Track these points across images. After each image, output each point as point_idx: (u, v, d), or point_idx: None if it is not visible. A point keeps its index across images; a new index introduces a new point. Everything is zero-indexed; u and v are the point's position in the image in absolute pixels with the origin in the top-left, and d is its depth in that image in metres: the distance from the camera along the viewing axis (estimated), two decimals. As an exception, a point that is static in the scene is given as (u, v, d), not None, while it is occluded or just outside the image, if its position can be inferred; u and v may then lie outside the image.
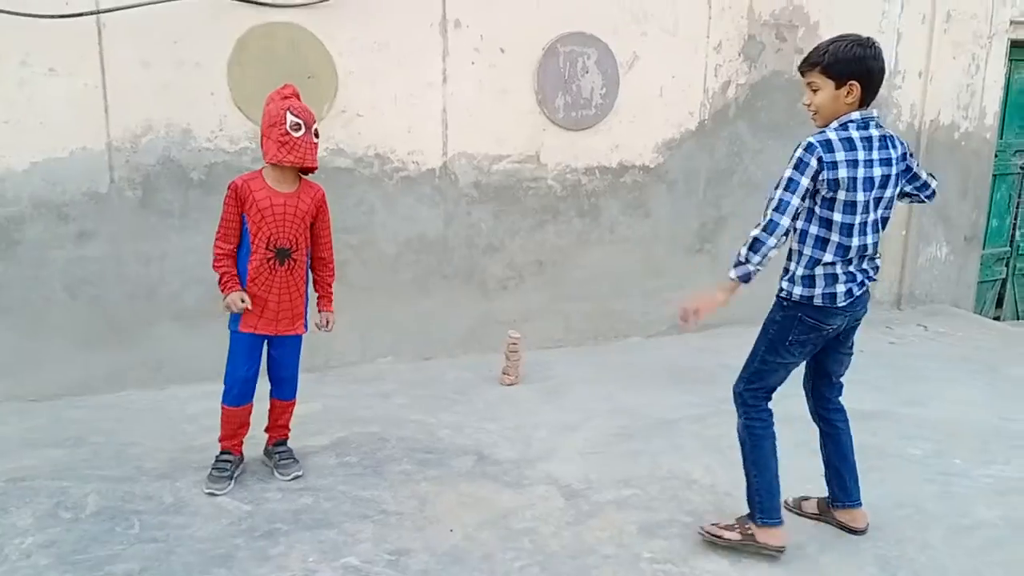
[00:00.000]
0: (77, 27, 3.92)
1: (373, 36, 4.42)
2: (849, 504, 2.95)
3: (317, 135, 3.20)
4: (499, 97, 4.76)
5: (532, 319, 4.98)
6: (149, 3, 3.97)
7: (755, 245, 2.58)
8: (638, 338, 5.29)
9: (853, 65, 2.60)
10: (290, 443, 3.53)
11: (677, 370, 4.69)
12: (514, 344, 4.46)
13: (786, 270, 2.74)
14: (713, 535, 2.82)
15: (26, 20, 3.81)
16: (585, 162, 5.02)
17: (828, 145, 2.57)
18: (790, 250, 2.74)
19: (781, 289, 2.75)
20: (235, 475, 3.32)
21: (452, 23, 4.59)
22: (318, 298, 3.44)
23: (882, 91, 2.87)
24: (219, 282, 3.16)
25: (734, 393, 2.84)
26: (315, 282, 3.42)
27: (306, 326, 3.38)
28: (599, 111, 4.95)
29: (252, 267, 3.16)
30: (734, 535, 2.80)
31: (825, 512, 3.02)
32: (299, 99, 3.22)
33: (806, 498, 3.10)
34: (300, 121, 3.11)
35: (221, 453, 3.34)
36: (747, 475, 2.80)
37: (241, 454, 3.39)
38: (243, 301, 3.12)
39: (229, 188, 3.15)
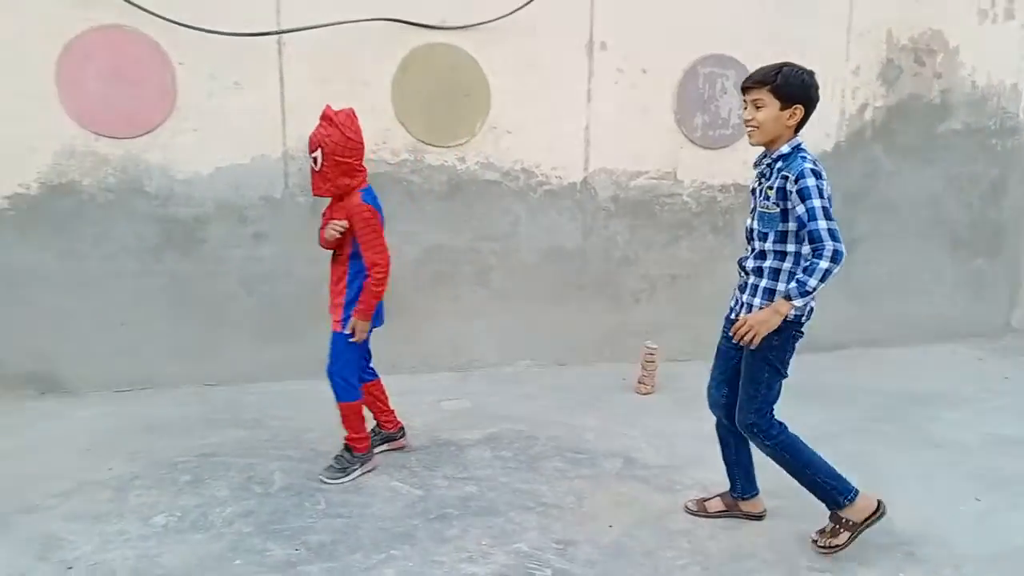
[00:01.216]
0: (260, 45, 4.31)
1: (525, 57, 4.68)
2: (754, 493, 3.19)
3: (316, 163, 3.23)
4: (639, 116, 4.95)
5: (663, 331, 5.13)
6: (325, 25, 4.32)
7: (826, 277, 2.63)
8: (766, 355, 5.37)
9: (800, 91, 2.75)
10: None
11: (810, 388, 4.74)
12: (651, 355, 4.62)
13: (775, 292, 2.79)
14: (829, 547, 2.90)
15: (215, 37, 4.21)
16: (721, 180, 5.16)
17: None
18: (778, 271, 2.80)
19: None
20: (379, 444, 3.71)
21: (598, 45, 4.80)
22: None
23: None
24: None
25: (747, 428, 2.92)
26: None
27: (341, 325, 3.38)
28: (736, 131, 5.07)
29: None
30: (843, 537, 2.90)
31: (732, 507, 3.22)
32: (316, 127, 3.26)
33: (706, 499, 3.28)
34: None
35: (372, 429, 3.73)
36: (806, 479, 2.93)
37: (391, 429, 3.78)
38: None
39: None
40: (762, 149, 2.87)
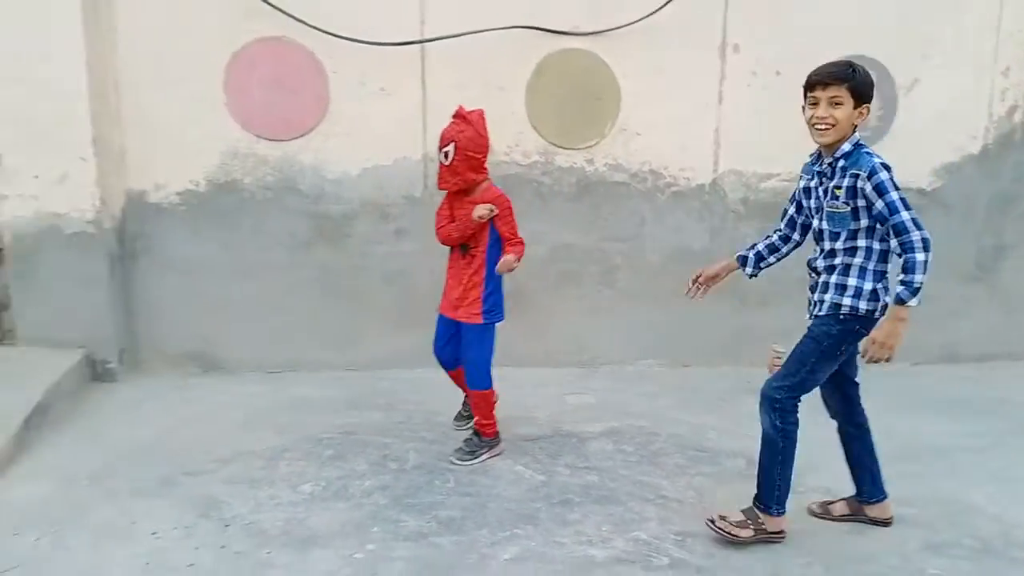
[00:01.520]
0: (405, 53, 4.59)
1: (656, 61, 4.75)
2: (881, 498, 3.13)
3: (447, 157, 3.46)
4: (772, 118, 4.90)
5: (790, 335, 4.99)
6: (466, 33, 4.55)
7: (926, 268, 2.65)
8: (904, 364, 5.19)
9: (870, 90, 2.76)
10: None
11: (950, 400, 4.58)
12: (778, 358, 4.54)
13: (846, 287, 2.81)
14: (727, 532, 2.95)
15: (365, 47, 4.52)
16: (856, 183, 5.04)
17: None
18: (849, 266, 2.81)
19: (842, 306, 2.81)
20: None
21: (731, 47, 4.82)
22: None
23: None
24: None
25: (769, 399, 2.95)
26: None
27: (481, 317, 3.58)
28: (875, 133, 4.95)
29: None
30: (747, 534, 2.96)
31: (857, 511, 3.18)
32: (449, 124, 3.50)
33: (831, 502, 3.26)
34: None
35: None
36: (771, 471, 2.95)
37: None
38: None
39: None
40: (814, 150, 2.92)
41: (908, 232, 2.65)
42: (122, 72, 4.42)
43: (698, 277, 3.34)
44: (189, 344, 4.81)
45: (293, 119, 4.55)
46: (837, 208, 2.79)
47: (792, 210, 3.18)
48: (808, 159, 3.04)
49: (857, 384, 3.14)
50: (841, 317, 2.83)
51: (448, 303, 3.71)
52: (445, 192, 3.65)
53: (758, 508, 3.00)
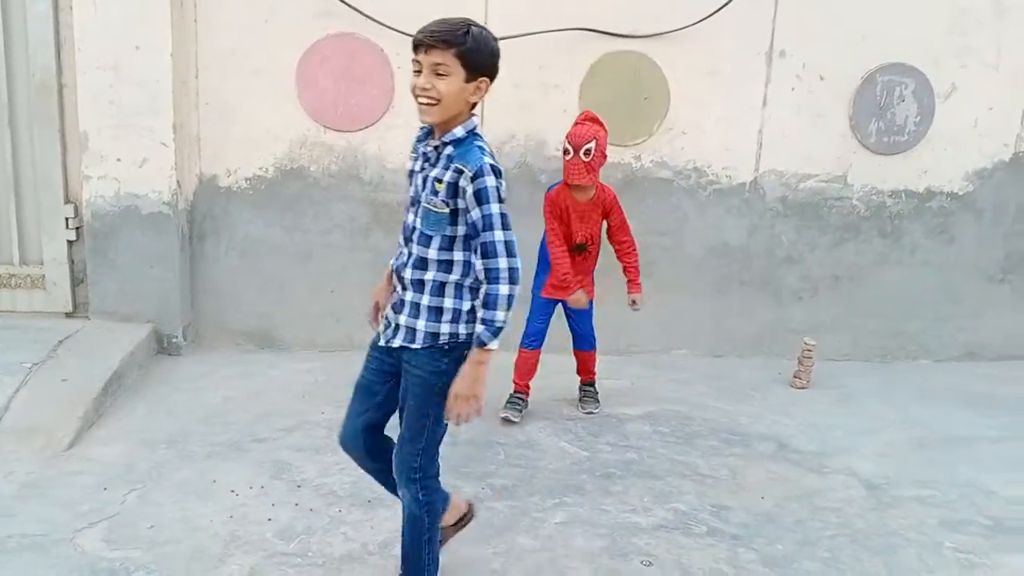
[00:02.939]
0: (466, 52, 4.83)
1: (705, 64, 4.97)
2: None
3: (587, 154, 3.87)
4: (814, 121, 5.12)
5: (822, 331, 5.27)
6: (527, 34, 4.78)
7: (510, 304, 2.25)
8: (927, 361, 5.40)
9: (491, 60, 2.25)
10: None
11: (971, 395, 4.78)
12: (809, 350, 4.81)
13: (442, 311, 2.33)
14: None
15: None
16: (892, 185, 5.24)
17: None
18: (444, 285, 2.32)
19: (440, 335, 2.33)
20: (523, 410, 4.16)
21: (777, 52, 5.02)
22: (627, 282, 4.21)
23: None
24: (562, 278, 4.01)
25: (406, 470, 2.46)
26: (624, 268, 4.21)
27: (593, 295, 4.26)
28: (911, 138, 5.14)
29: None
30: None
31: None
32: (584, 124, 3.95)
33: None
34: (568, 146, 3.89)
35: (515, 392, 4.21)
36: (420, 554, 2.52)
37: (527, 394, 4.23)
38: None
39: (545, 200, 4.04)
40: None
41: (496, 257, 2.20)
42: (202, 63, 4.72)
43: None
44: (249, 321, 5.10)
45: (359, 111, 4.82)
46: (435, 206, 2.26)
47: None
48: (419, 131, 2.42)
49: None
50: (445, 348, 2.34)
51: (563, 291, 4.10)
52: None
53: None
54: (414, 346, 2.36)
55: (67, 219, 4.72)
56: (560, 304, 4.19)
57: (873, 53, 5.06)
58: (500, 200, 2.21)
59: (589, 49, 4.89)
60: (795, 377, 4.85)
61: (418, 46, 2.20)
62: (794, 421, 4.30)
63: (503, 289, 2.22)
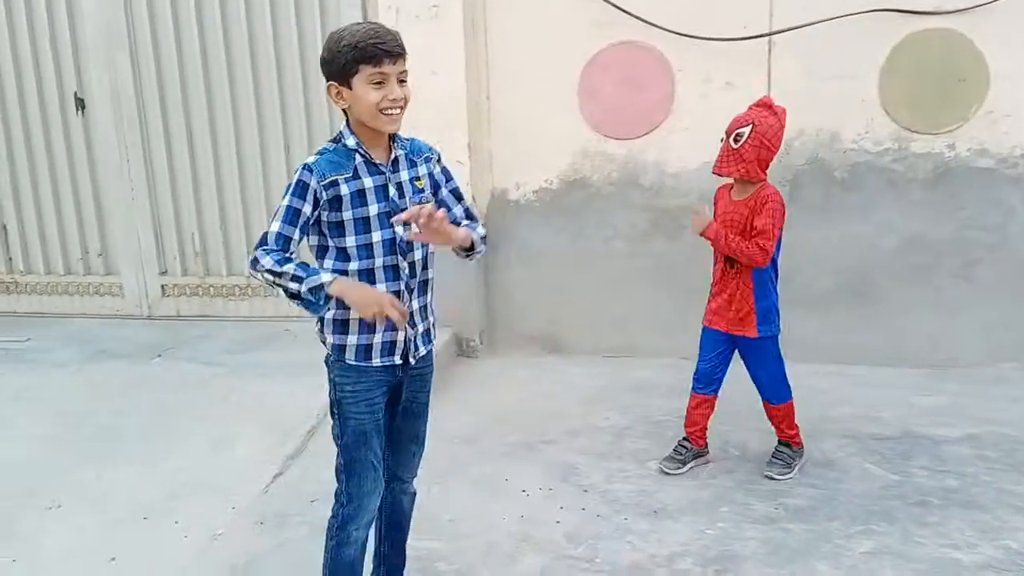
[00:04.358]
0: (752, 47, 4.63)
1: (1032, 36, 4.32)
2: None
3: (737, 140, 3.28)
4: None
5: None
6: (817, 22, 4.48)
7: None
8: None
9: None
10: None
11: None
12: None
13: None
14: None
15: (712, 44, 4.64)
16: None
17: None
18: (430, 279, 2.53)
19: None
20: (688, 462, 3.58)
21: None
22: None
23: None
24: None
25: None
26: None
27: (761, 331, 3.39)
28: None
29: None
30: None
31: None
32: (750, 109, 3.37)
33: None
34: (724, 133, 3.34)
35: (682, 439, 3.65)
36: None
37: (701, 445, 3.63)
38: None
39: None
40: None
41: (477, 218, 2.58)
42: (492, 85, 5.00)
43: None
44: (537, 327, 5.30)
45: (640, 118, 4.81)
46: (427, 203, 2.34)
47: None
48: (318, 157, 2.32)
49: None
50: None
51: (719, 316, 3.51)
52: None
53: None
54: (432, 344, 2.57)
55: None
56: (736, 346, 3.51)
57: None
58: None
59: (888, 31, 4.46)
60: None
61: (385, 56, 2.19)
62: None
63: (483, 230, 2.52)
